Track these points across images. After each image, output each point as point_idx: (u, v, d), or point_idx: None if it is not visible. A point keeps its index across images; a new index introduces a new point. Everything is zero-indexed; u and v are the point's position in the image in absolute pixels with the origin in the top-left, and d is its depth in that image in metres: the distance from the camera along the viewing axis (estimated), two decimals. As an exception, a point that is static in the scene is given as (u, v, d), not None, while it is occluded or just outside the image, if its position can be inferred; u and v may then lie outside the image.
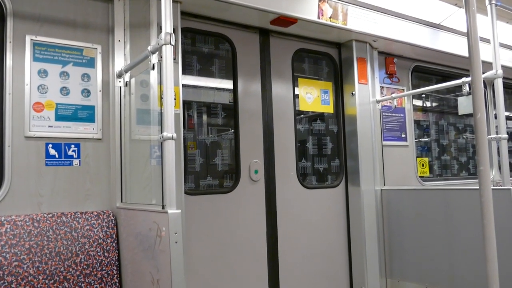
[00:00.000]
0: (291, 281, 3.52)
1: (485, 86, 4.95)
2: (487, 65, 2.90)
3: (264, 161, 3.47)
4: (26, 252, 2.35)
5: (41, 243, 2.40)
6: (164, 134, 2.01)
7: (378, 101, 4.03)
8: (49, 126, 2.60)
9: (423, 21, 4.03)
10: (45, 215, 2.48)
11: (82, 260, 2.50)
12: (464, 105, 3.89)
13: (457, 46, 4.28)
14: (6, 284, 2.26)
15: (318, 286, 3.67)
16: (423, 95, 4.89)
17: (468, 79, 3.27)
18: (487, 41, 3.09)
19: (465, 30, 2.11)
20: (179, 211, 2.00)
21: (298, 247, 3.58)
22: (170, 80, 2.05)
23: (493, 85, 3.13)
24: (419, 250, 3.55)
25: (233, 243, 3.27)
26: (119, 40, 2.80)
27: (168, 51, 2.06)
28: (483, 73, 2.26)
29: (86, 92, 2.74)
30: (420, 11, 3.97)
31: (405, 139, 4.27)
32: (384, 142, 4.08)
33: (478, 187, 2.07)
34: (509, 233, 2.88)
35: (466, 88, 3.34)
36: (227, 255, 3.23)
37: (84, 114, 2.72)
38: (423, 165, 4.52)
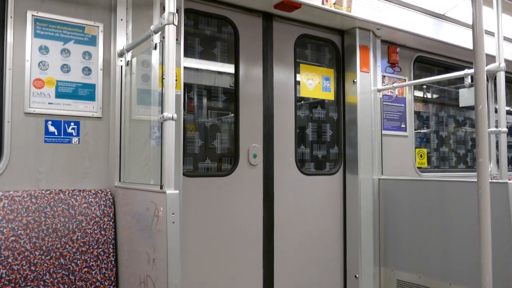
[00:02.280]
0: (285, 266, 3.55)
1: (487, 79, 4.93)
2: (490, 58, 2.89)
3: (263, 146, 3.48)
4: (23, 227, 2.36)
5: (38, 219, 2.42)
6: (165, 114, 2.00)
7: (379, 90, 4.02)
8: (49, 103, 2.60)
9: (427, 11, 4.00)
10: (43, 191, 2.49)
11: (79, 237, 2.51)
12: (465, 97, 3.88)
13: (461, 38, 4.26)
14: (3, 258, 2.27)
15: (312, 272, 3.70)
16: (425, 86, 4.88)
17: (471, 71, 3.26)
18: (491, 34, 3.07)
19: (469, 22, 2.10)
20: (177, 191, 2.01)
21: (294, 232, 3.61)
22: (171, 61, 2.04)
23: (495, 78, 3.13)
24: (413, 240, 3.58)
25: (230, 226, 3.29)
26: (122, 19, 2.78)
27: (170, 31, 2.05)
28: (486, 65, 2.25)
29: (87, 70, 2.72)
30: (425, 1, 3.94)
31: (404, 129, 4.28)
32: (383, 132, 4.08)
33: (475, 180, 2.08)
34: (504, 226, 2.90)
35: (468, 80, 3.33)
36: (223, 238, 3.25)
37: (84, 92, 2.71)
38: (421, 156, 4.53)
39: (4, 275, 2.26)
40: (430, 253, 3.45)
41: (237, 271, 3.31)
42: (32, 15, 2.56)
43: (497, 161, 3.22)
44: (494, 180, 3.05)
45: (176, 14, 2.07)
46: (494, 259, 2.08)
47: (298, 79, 3.75)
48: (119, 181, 2.72)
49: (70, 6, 2.69)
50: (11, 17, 2.51)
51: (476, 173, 2.13)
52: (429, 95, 5.06)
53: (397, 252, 3.72)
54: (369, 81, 3.90)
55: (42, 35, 2.59)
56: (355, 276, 3.76)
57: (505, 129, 3.03)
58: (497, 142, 3.27)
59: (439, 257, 3.38)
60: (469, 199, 3.13)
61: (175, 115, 2.01)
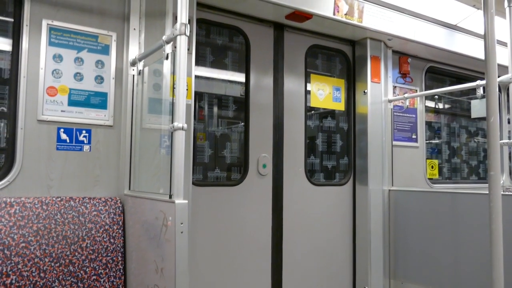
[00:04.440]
0: (294, 277, 3.52)
1: (499, 90, 4.90)
2: (503, 69, 2.86)
3: (272, 155, 3.47)
4: (33, 234, 2.38)
5: (48, 226, 2.43)
6: (175, 124, 2.01)
7: (390, 101, 4.00)
8: (62, 111, 2.63)
9: (439, 21, 3.98)
10: (54, 198, 2.51)
11: (88, 245, 2.52)
12: (477, 108, 3.85)
13: (473, 48, 4.24)
14: (13, 264, 2.29)
15: (321, 283, 3.67)
16: (436, 97, 4.85)
17: (483, 82, 3.24)
18: (504, 44, 3.05)
19: (482, 32, 2.09)
20: (186, 201, 2.01)
21: (303, 243, 3.59)
22: (183, 71, 2.06)
23: (508, 89, 3.10)
24: (424, 253, 3.54)
25: (238, 236, 3.28)
26: (134, 29, 2.81)
27: (182, 41, 2.07)
28: (498, 76, 2.23)
29: (99, 79, 2.75)
30: (437, 11, 3.93)
31: (415, 140, 4.25)
32: (394, 142, 4.05)
33: (487, 192, 2.05)
34: (516, 239, 2.85)
35: (480, 91, 3.31)
36: (231, 248, 3.24)
37: (96, 100, 2.73)
38: (432, 167, 4.49)
39: (14, 281, 2.28)
40: (441, 266, 3.40)
41: (245, 281, 3.30)
42: (47, 24, 2.60)
43: (510, 173, 3.18)
44: (506, 193, 3.01)
45: (188, 24, 2.08)
46: (506, 272, 2.04)
47: (308, 89, 3.75)
48: (129, 189, 2.73)
49: (84, 15, 2.72)
50: (26, 25, 2.55)
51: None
52: (440, 106, 5.02)
53: (407, 264, 3.68)
54: (380, 92, 3.89)
55: (57, 44, 2.63)
56: (365, 288, 3.73)
57: (518, 141, 3.00)
58: (510, 154, 3.23)
59: (450, 269, 3.33)
60: (481, 211, 3.09)
61: (185, 125, 2.02)
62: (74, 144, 2.66)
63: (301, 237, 3.58)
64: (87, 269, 2.50)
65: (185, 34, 2.06)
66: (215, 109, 3.36)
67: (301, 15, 3.32)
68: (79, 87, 2.69)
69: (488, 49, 2.06)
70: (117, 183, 2.77)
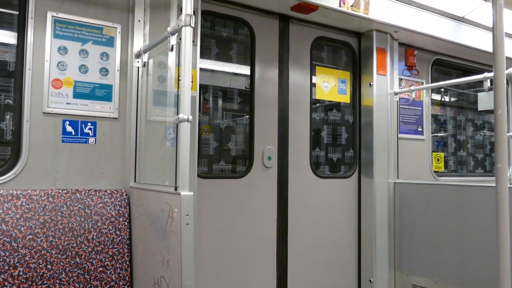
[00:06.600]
0: (299, 269, 3.53)
1: (506, 83, 4.85)
2: (510, 61, 2.84)
3: (278, 148, 3.47)
4: (40, 226, 2.39)
5: (55, 218, 2.45)
6: (180, 116, 2.01)
7: (396, 93, 3.98)
8: (67, 103, 2.63)
9: (446, 13, 3.94)
10: (60, 191, 2.52)
11: (94, 237, 2.54)
12: (484, 100, 3.82)
13: (481, 41, 4.20)
14: (20, 256, 2.31)
15: (326, 275, 3.68)
16: (442, 89, 4.82)
17: (490, 74, 3.21)
18: (511, 36, 3.02)
19: (489, 24, 2.07)
20: (192, 193, 2.02)
21: (308, 235, 3.59)
22: (188, 63, 2.05)
23: (516, 82, 3.07)
24: (429, 245, 3.53)
25: (243, 228, 3.28)
26: (139, 20, 2.80)
27: (187, 33, 2.06)
28: (506, 69, 2.21)
29: (104, 71, 2.75)
30: (444, 3, 3.89)
31: (421, 133, 4.23)
32: (400, 135, 4.04)
33: (494, 185, 2.04)
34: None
35: (487, 84, 3.28)
36: (236, 240, 3.25)
37: (101, 92, 2.74)
38: (438, 160, 4.47)
39: (21, 273, 2.29)
40: (446, 258, 3.40)
41: (250, 273, 3.31)
42: (52, 16, 2.60)
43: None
44: (513, 186, 2.99)
45: (193, 16, 2.07)
46: (513, 266, 2.04)
47: (314, 81, 3.73)
48: (134, 181, 2.74)
49: (89, 7, 2.72)
50: (31, 17, 2.55)
51: (494, 177, 2.10)
52: (447, 99, 4.99)
53: (413, 256, 3.68)
54: (386, 84, 3.87)
55: (61, 36, 2.63)
56: (370, 280, 3.73)
57: (525, 134, 2.98)
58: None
59: (455, 262, 3.33)
60: (487, 204, 3.08)
61: (190, 117, 2.02)
62: (79, 136, 2.66)
63: (306, 230, 3.58)
64: (94, 261, 2.51)
65: (190, 25, 2.05)
66: (220, 101, 3.35)
67: (306, 7, 3.30)
68: (84, 80, 2.69)
69: (496, 41, 2.04)
70: (123, 175, 2.78)
